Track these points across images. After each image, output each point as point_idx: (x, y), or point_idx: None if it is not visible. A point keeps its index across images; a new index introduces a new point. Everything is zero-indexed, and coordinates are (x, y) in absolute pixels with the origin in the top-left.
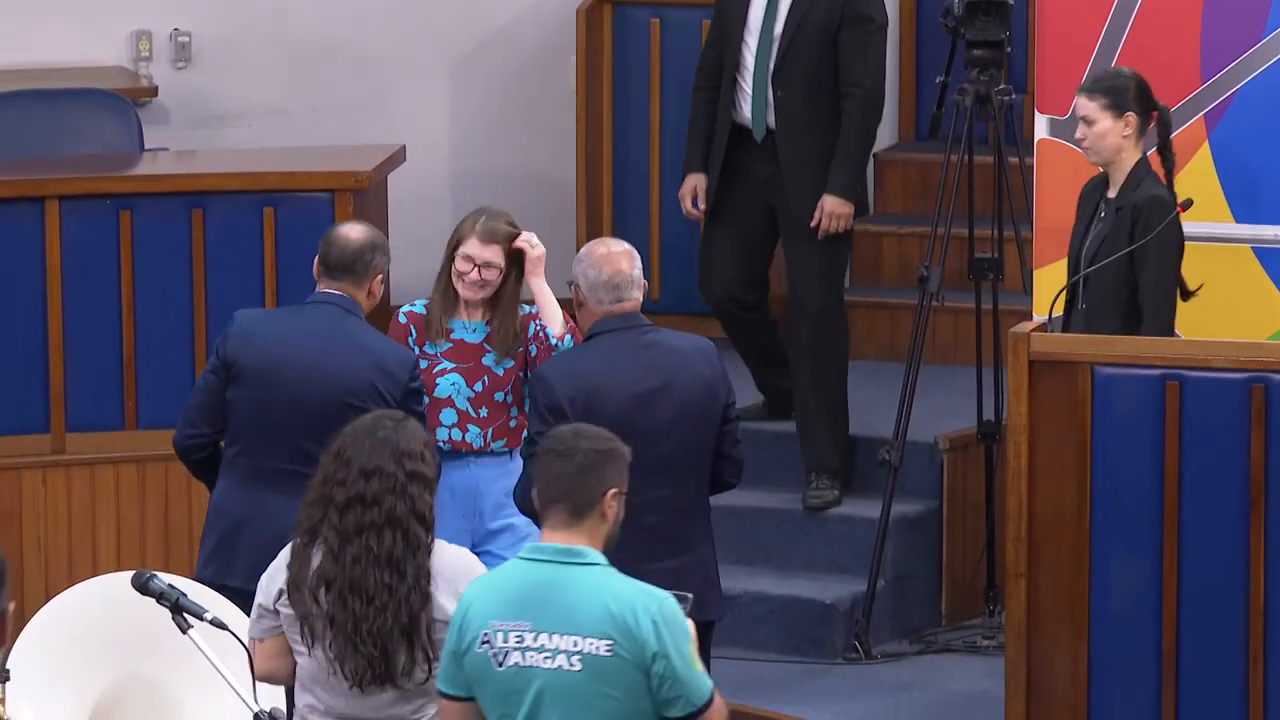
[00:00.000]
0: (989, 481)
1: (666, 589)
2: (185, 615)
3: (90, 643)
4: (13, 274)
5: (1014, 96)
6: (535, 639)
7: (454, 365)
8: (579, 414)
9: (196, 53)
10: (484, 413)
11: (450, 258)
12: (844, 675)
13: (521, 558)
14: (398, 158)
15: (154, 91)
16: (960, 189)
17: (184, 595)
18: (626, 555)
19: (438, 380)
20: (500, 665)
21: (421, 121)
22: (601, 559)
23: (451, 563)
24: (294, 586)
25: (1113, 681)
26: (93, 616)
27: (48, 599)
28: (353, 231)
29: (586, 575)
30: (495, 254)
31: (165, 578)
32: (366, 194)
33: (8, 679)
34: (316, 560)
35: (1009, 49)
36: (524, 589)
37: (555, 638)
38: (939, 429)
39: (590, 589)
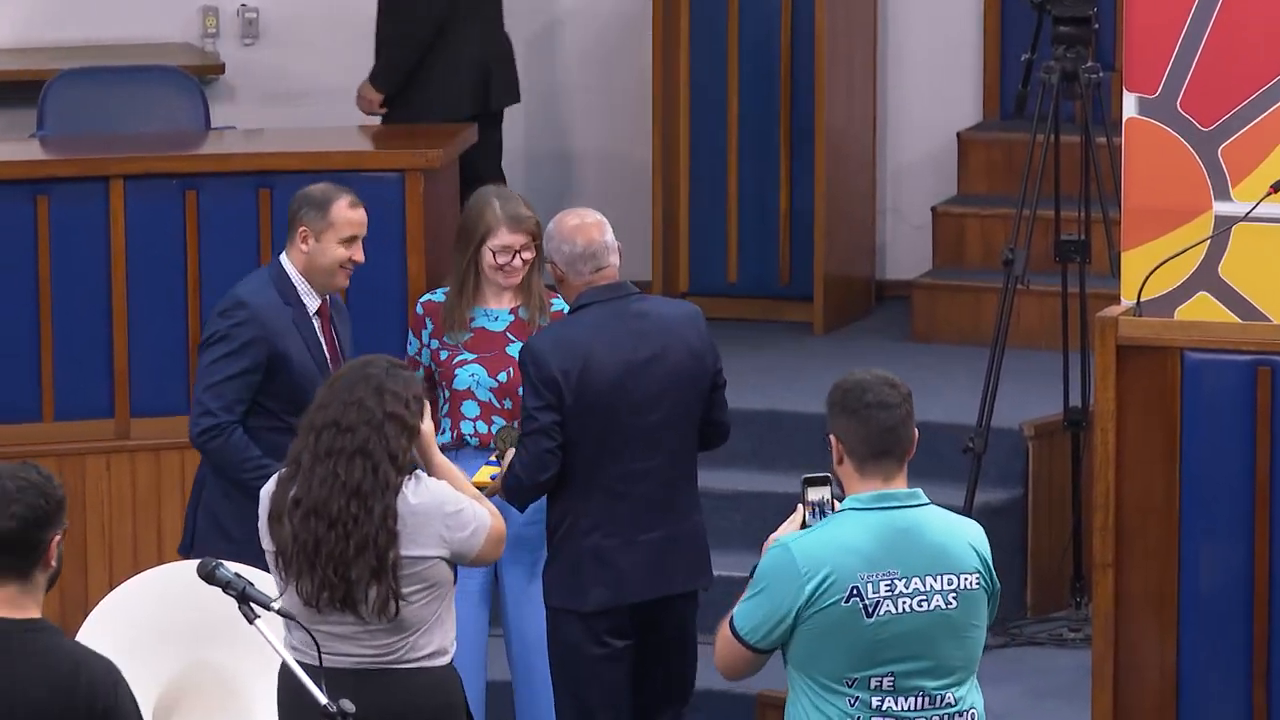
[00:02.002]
0: (1075, 469)
1: (657, 559)
2: (252, 605)
3: (154, 632)
4: (77, 255)
5: (1101, 74)
6: (907, 585)
7: (475, 356)
8: (573, 386)
9: (264, 29)
10: (509, 405)
11: (476, 250)
12: None
13: (862, 509)
14: (469, 136)
15: (221, 68)
16: (1046, 169)
17: (250, 584)
18: (615, 526)
19: (456, 372)
20: (870, 616)
21: None
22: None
23: (424, 506)
24: (275, 517)
25: (1203, 674)
26: (156, 605)
27: (112, 587)
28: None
29: (933, 514)
30: (528, 236)
31: (232, 566)
32: (437, 174)
33: None
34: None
35: (1097, 25)
36: (884, 537)
37: (929, 579)
38: (1024, 415)
39: (944, 526)
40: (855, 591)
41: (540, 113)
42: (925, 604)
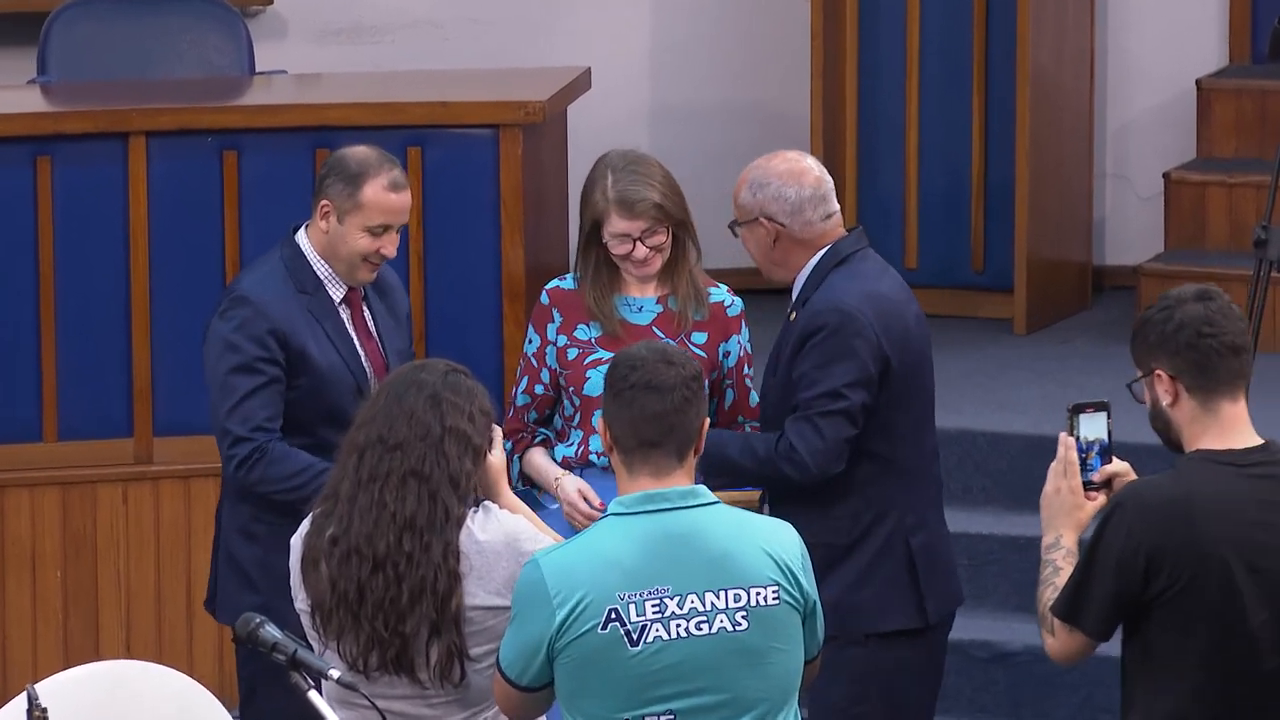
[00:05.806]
0: None
1: (954, 556)
2: (305, 672)
3: None
4: (87, 231)
5: None
6: (681, 604)
7: (610, 355)
8: (898, 356)
9: None
10: None
11: (593, 234)
12: None
13: (625, 513)
14: (581, 85)
15: None
16: None
17: (303, 646)
18: (937, 517)
19: (589, 374)
20: (635, 644)
21: (612, 40)
22: (714, 497)
23: (494, 543)
24: (310, 562)
25: None
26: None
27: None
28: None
29: (718, 515)
30: (649, 221)
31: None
32: (539, 130)
33: (45, 717)
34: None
35: None
36: (650, 548)
37: (709, 596)
38: None
39: (732, 530)
40: (614, 615)
41: (670, 60)
42: (706, 626)
